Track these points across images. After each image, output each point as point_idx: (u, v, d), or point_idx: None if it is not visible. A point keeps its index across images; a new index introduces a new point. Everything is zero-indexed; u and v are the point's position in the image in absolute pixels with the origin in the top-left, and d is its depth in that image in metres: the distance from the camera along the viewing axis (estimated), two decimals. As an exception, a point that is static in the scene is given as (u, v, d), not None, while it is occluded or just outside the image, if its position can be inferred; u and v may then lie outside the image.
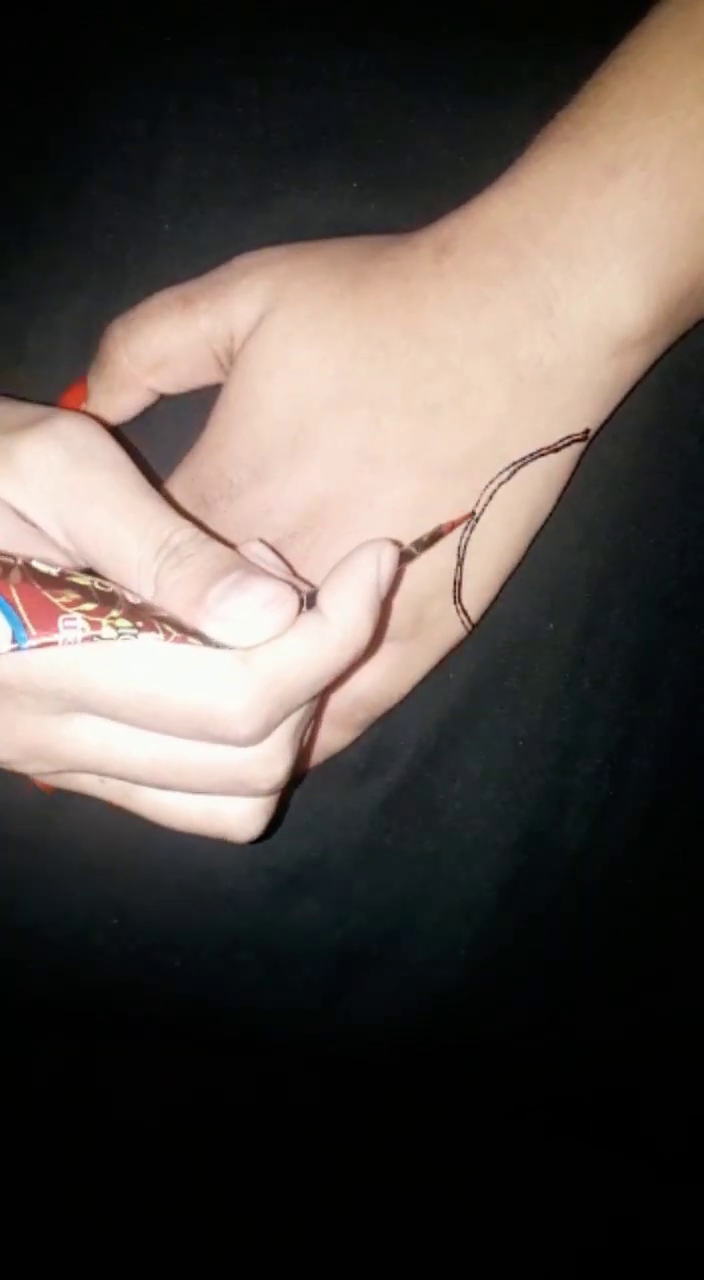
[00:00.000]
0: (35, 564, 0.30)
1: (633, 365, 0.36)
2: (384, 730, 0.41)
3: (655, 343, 0.36)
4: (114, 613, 0.29)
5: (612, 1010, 0.45)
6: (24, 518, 0.32)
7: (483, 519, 0.36)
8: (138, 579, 0.31)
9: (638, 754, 0.43)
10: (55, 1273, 0.47)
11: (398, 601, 0.37)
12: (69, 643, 0.29)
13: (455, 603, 0.37)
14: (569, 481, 0.38)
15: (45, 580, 0.29)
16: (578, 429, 0.36)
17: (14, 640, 0.28)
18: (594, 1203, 0.48)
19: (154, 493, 0.31)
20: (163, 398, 0.39)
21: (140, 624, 0.29)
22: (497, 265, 0.35)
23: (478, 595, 0.38)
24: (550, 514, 0.38)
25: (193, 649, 0.30)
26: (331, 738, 0.40)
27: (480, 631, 0.39)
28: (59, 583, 0.30)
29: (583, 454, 0.37)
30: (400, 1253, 0.48)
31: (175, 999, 0.43)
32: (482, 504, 0.36)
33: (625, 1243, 0.48)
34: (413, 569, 0.36)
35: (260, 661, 0.30)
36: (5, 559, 0.30)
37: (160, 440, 0.40)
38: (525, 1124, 0.47)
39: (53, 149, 0.41)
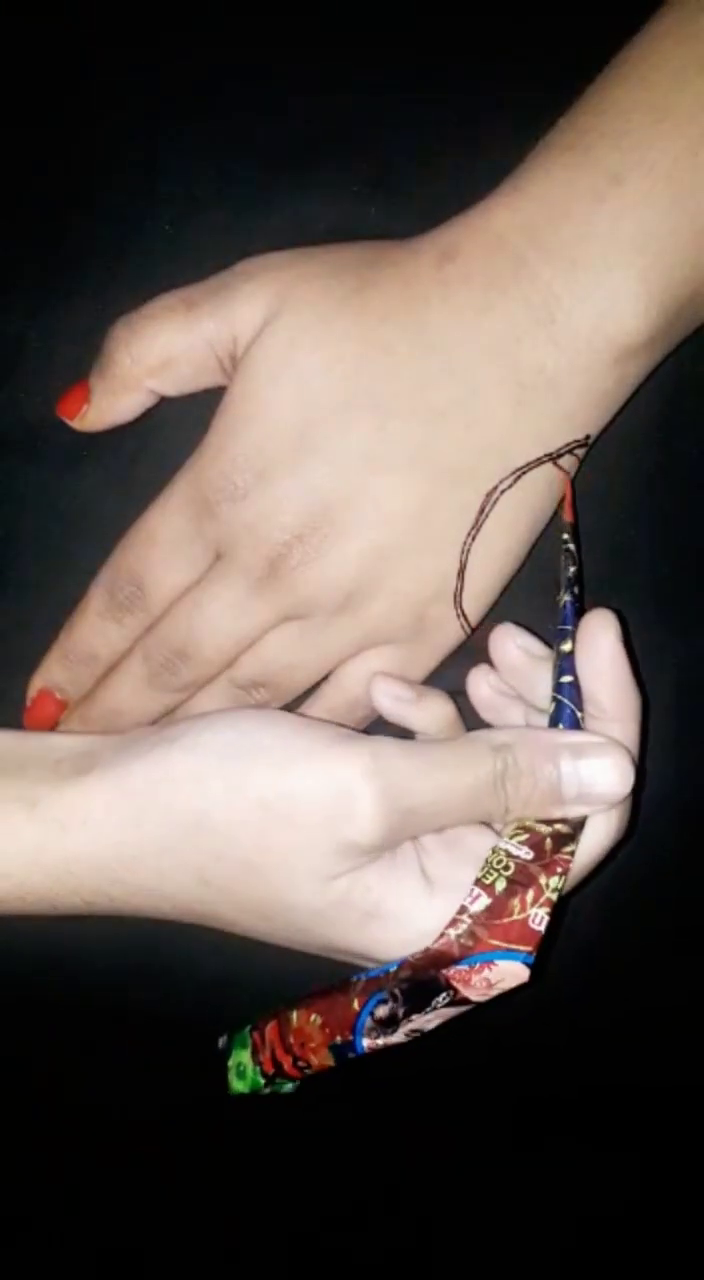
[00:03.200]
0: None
1: (634, 371, 0.36)
2: (383, 731, 0.41)
3: (656, 349, 0.36)
4: (544, 880, 0.34)
5: (610, 1009, 0.46)
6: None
7: (485, 524, 0.37)
8: (486, 811, 0.35)
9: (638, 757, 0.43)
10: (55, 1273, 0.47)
11: (399, 603, 0.37)
12: (539, 929, 0.34)
13: (456, 606, 0.38)
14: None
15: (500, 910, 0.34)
16: (580, 434, 0.37)
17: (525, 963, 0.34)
18: (594, 1203, 0.48)
19: (436, 751, 0.35)
20: (164, 399, 0.39)
21: (542, 861, 0.35)
22: (499, 272, 0.35)
23: (478, 599, 0.38)
24: (551, 518, 0.38)
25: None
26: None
27: (480, 634, 0.39)
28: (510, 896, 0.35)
29: (584, 459, 0.38)
30: (400, 1252, 0.49)
31: (176, 990, 0.43)
32: (485, 509, 0.36)
33: (624, 1242, 0.49)
34: (415, 571, 0.37)
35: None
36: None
37: (161, 442, 0.40)
38: (524, 1123, 0.47)
39: (53, 149, 0.40)
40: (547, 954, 0.34)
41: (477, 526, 0.37)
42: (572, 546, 0.37)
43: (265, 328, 0.36)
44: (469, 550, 0.37)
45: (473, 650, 0.40)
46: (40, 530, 0.41)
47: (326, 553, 0.36)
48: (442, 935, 0.34)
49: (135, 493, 0.39)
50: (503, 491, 0.36)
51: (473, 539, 0.37)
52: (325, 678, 0.40)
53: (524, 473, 0.36)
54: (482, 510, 0.36)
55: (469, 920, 0.34)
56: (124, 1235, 0.48)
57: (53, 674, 0.41)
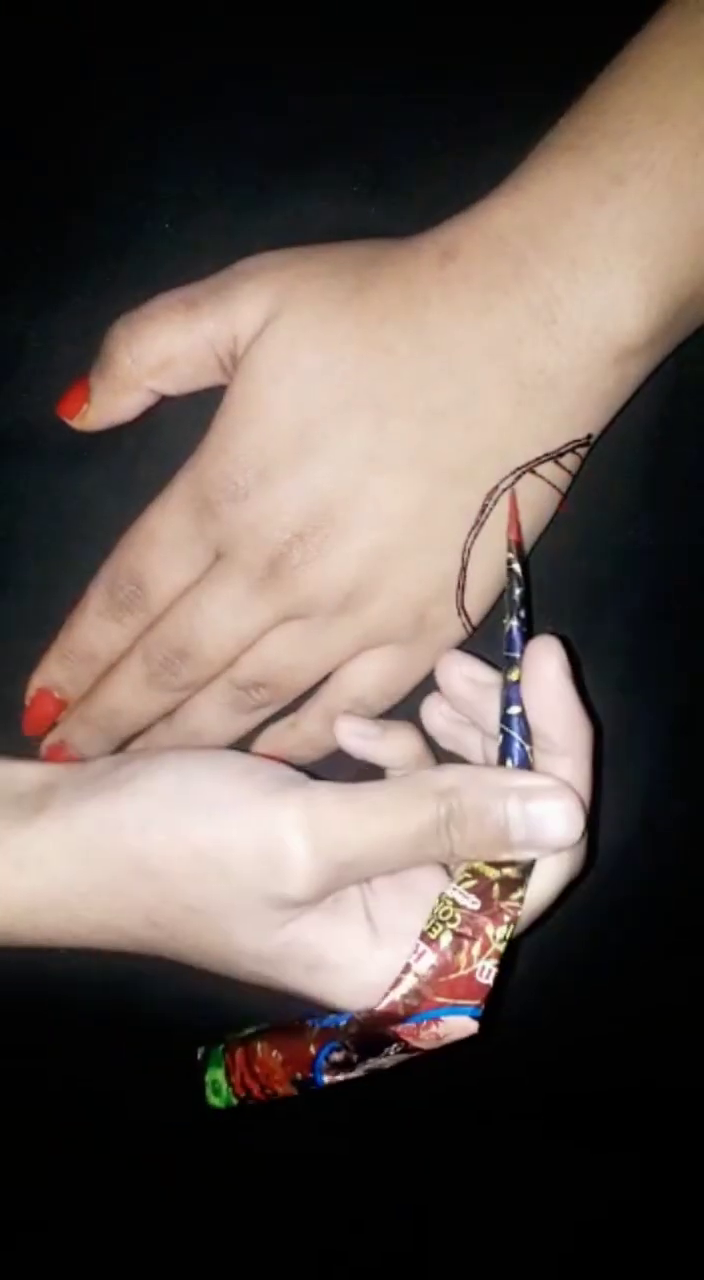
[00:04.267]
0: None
1: (635, 371, 0.36)
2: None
3: (657, 349, 0.36)
4: (491, 930, 0.34)
5: (608, 1008, 0.46)
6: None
7: (486, 524, 0.37)
8: (431, 857, 0.35)
9: (636, 758, 0.43)
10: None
11: (400, 603, 0.37)
12: (487, 982, 0.34)
13: (457, 606, 0.38)
14: (570, 486, 0.38)
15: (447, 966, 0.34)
16: (581, 434, 0.37)
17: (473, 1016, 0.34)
18: (593, 1205, 0.48)
19: (376, 798, 0.35)
20: (163, 399, 0.39)
21: (489, 911, 0.34)
22: (500, 272, 0.35)
23: (479, 599, 0.38)
24: (551, 518, 0.38)
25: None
26: (331, 736, 0.41)
27: (480, 634, 0.39)
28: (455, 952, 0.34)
29: (584, 459, 0.38)
30: (398, 1256, 0.49)
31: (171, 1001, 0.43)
32: (487, 509, 0.36)
33: (624, 1244, 0.49)
34: (416, 571, 0.37)
35: None
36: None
37: (161, 441, 0.40)
38: (523, 1124, 0.47)
39: (53, 149, 0.40)
40: (498, 999, 0.34)
41: (478, 526, 0.37)
42: (517, 567, 0.36)
43: (266, 328, 0.36)
44: (470, 550, 0.37)
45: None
46: (40, 530, 0.41)
47: (327, 553, 0.36)
48: (386, 996, 0.34)
49: (135, 493, 0.39)
50: (504, 491, 0.36)
51: (474, 539, 0.37)
52: (325, 678, 0.40)
53: (525, 472, 0.36)
54: (483, 510, 0.36)
55: (414, 979, 0.34)
56: (122, 1243, 0.48)
57: (52, 673, 0.41)
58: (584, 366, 0.35)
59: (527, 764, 0.36)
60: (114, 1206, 0.48)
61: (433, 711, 0.40)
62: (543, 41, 0.41)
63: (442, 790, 0.34)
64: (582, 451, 0.37)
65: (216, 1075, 0.38)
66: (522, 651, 0.36)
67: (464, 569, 0.37)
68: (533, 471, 0.36)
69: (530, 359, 0.35)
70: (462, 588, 0.37)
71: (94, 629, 0.39)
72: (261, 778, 0.35)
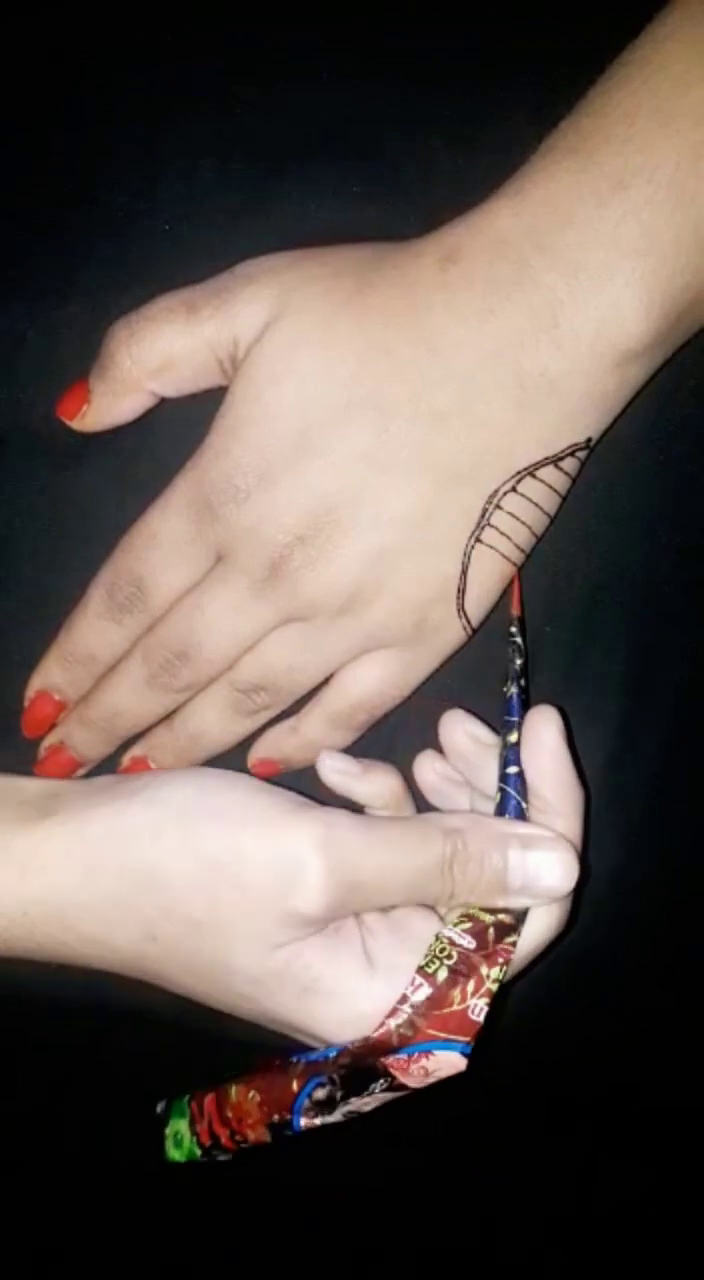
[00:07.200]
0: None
1: (635, 375, 0.36)
2: (383, 732, 0.41)
3: (657, 353, 0.36)
4: (485, 970, 0.35)
5: (608, 1008, 0.46)
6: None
7: (487, 526, 0.37)
8: (431, 895, 0.36)
9: (635, 758, 0.43)
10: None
11: (401, 605, 0.37)
12: (478, 1020, 0.35)
13: (458, 608, 0.38)
14: (571, 488, 0.38)
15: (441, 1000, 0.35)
16: (581, 438, 0.37)
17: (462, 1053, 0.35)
18: (591, 1201, 0.48)
19: (389, 829, 0.36)
20: (164, 400, 0.39)
21: (484, 951, 0.35)
22: (502, 275, 0.35)
23: (480, 601, 0.38)
24: (551, 519, 0.38)
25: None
26: (331, 739, 0.41)
27: (480, 635, 0.39)
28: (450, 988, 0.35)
29: (584, 461, 0.38)
30: (398, 1253, 0.49)
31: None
32: (488, 512, 0.36)
33: (623, 1246, 0.49)
34: (417, 573, 0.37)
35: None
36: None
37: (161, 443, 0.40)
38: (523, 1124, 0.48)
39: (54, 149, 0.40)
40: (487, 1039, 0.35)
41: (479, 529, 0.37)
42: (519, 640, 0.38)
43: (267, 330, 0.36)
44: (471, 552, 0.37)
45: (472, 651, 0.40)
46: (40, 531, 0.41)
47: (328, 555, 0.36)
48: (382, 1025, 0.35)
49: (135, 493, 0.39)
50: (505, 494, 0.36)
51: (475, 541, 0.37)
52: (326, 681, 0.40)
53: (526, 475, 0.36)
54: (484, 513, 0.36)
55: (410, 1010, 0.35)
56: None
57: (51, 675, 0.41)
58: (585, 370, 0.35)
59: (522, 818, 0.37)
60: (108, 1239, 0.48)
61: (426, 768, 0.41)
62: (544, 42, 0.40)
63: (449, 830, 0.36)
64: (582, 455, 0.37)
65: (179, 1126, 0.39)
66: (521, 716, 0.38)
67: (465, 571, 0.37)
68: (533, 474, 0.36)
69: (532, 362, 0.35)
70: (462, 590, 0.37)
71: (94, 630, 0.39)
72: (278, 798, 0.36)
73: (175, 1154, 0.39)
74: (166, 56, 0.40)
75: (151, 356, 0.37)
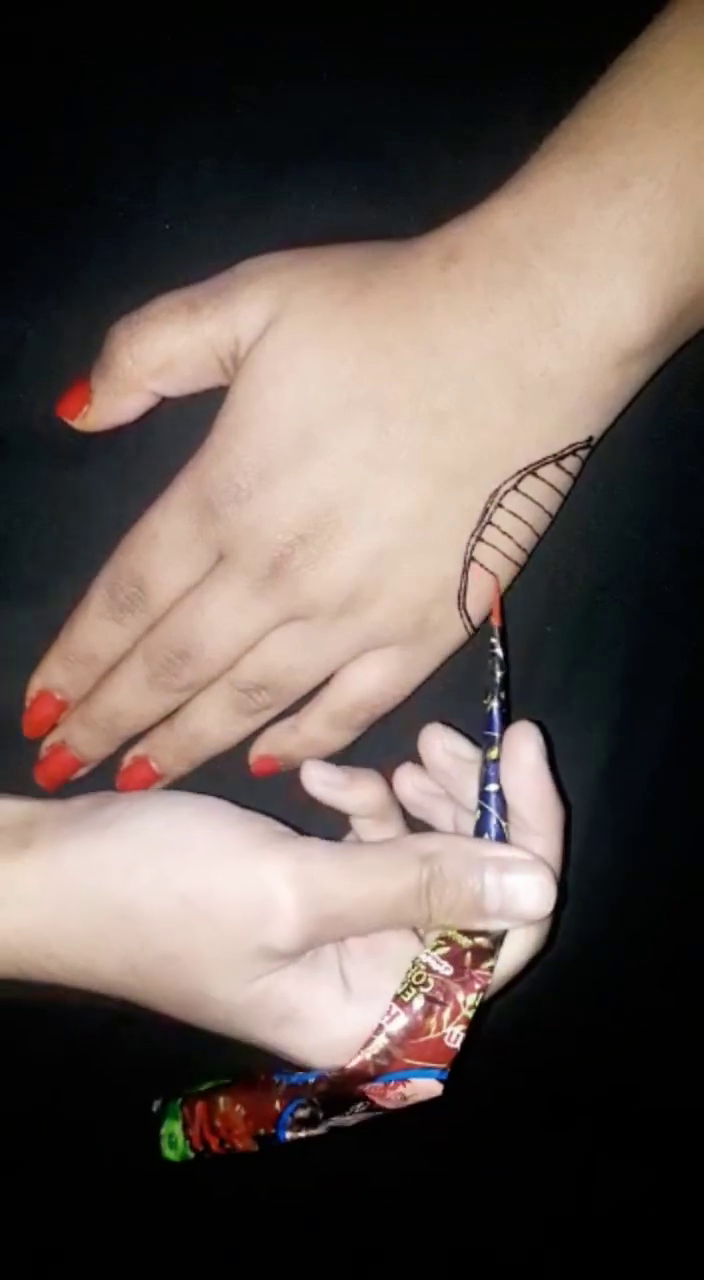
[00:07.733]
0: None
1: (636, 374, 0.36)
2: (383, 731, 0.41)
3: (658, 352, 0.36)
4: (462, 997, 0.35)
5: (608, 1008, 0.46)
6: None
7: (487, 525, 0.37)
8: (409, 920, 0.36)
9: (635, 758, 0.43)
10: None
11: (402, 605, 0.37)
12: (454, 1047, 0.35)
13: (459, 608, 0.38)
14: (572, 488, 0.38)
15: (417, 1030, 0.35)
16: (582, 436, 0.37)
17: (439, 1079, 0.35)
18: (591, 1201, 0.48)
19: (364, 857, 0.36)
20: (164, 400, 0.39)
21: (460, 978, 0.35)
22: (503, 275, 0.35)
23: (480, 601, 0.38)
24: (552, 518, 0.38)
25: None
26: (332, 738, 0.41)
27: (481, 634, 0.39)
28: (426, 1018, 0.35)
29: (585, 461, 0.38)
30: (398, 1252, 0.49)
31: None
32: (488, 511, 0.36)
33: (623, 1247, 0.49)
34: (417, 573, 0.37)
35: None
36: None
37: (162, 442, 0.40)
38: (523, 1123, 0.48)
39: (54, 149, 0.40)
40: (463, 1064, 0.35)
41: (480, 528, 0.37)
42: (499, 651, 0.38)
43: (267, 330, 0.36)
44: (472, 552, 0.37)
45: (472, 653, 0.40)
46: (40, 531, 0.41)
47: (329, 554, 0.36)
48: (358, 1055, 0.35)
49: (135, 493, 0.39)
50: (506, 493, 0.36)
51: (476, 540, 0.37)
52: (327, 680, 0.40)
53: (526, 474, 0.36)
54: (485, 512, 0.36)
55: (386, 1040, 0.35)
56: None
57: (52, 675, 0.41)
58: (586, 369, 0.35)
59: (503, 838, 0.37)
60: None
61: (405, 782, 0.41)
62: (544, 42, 0.40)
63: (425, 855, 0.35)
64: (582, 454, 0.37)
65: (173, 1128, 0.39)
66: (501, 732, 0.37)
67: (465, 571, 0.37)
68: (534, 474, 0.37)
69: (533, 362, 0.35)
70: (463, 590, 0.37)
71: (95, 630, 0.39)
72: (251, 829, 0.35)
73: (170, 1154, 0.39)
74: (166, 56, 0.40)
75: (152, 356, 0.37)
